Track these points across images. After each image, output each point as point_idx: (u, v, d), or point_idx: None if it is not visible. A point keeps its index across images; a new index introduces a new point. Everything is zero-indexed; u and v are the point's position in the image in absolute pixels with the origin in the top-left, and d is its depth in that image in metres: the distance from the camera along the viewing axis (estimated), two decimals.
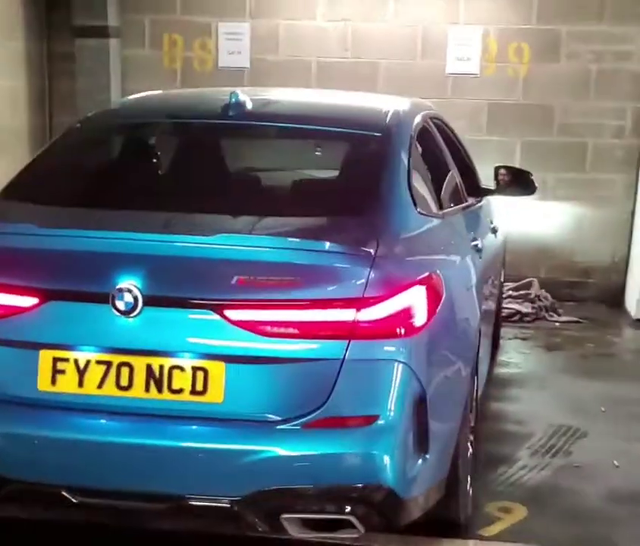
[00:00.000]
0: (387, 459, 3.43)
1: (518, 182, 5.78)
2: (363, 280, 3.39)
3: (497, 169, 5.78)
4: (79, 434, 3.52)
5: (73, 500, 3.53)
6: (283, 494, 3.44)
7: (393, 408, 3.43)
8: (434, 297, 3.57)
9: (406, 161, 4.17)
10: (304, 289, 3.39)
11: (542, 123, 8.43)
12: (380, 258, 3.46)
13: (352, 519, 3.46)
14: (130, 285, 3.37)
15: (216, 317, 3.39)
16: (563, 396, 6.13)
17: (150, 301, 3.40)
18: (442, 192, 4.61)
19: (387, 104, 4.87)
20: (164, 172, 4.71)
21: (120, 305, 3.39)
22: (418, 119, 4.68)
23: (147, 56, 8.75)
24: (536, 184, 5.73)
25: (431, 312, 3.53)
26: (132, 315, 3.40)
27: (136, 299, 3.38)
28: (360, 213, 3.82)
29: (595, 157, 8.42)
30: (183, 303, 3.43)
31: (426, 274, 3.63)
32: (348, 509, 3.47)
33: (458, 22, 8.44)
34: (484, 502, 4.48)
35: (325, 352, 3.39)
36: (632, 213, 8.38)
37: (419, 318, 3.46)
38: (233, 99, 4.41)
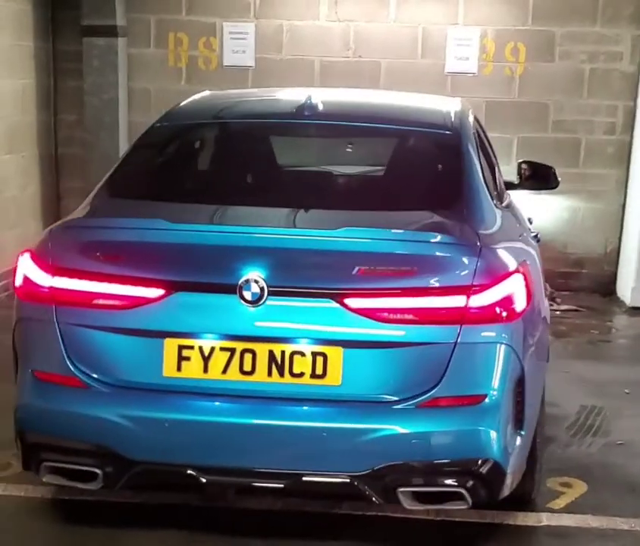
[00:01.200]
0: (494, 434, 3.71)
1: (540, 176, 6.05)
2: (472, 269, 3.66)
3: (520, 164, 6.05)
4: (204, 416, 3.75)
5: (200, 479, 3.74)
6: (400, 469, 3.71)
7: (499, 387, 3.71)
8: (529, 284, 3.84)
9: (476, 157, 4.47)
10: (419, 277, 3.66)
11: (537, 120, 8.77)
12: (484, 248, 3.74)
13: (463, 491, 3.73)
14: (257, 276, 3.61)
15: (336, 305, 3.64)
16: (585, 380, 6.48)
17: (274, 291, 3.62)
18: (497, 186, 4.89)
19: (444, 104, 5.15)
20: (262, 168, 4.91)
21: (248, 295, 3.61)
22: (471, 117, 4.96)
23: (152, 55, 8.91)
24: (559, 178, 5.99)
25: (528, 297, 3.81)
26: (257, 304, 3.62)
27: (262, 289, 3.61)
28: (452, 206, 4.10)
29: (588, 152, 8.78)
30: (305, 293, 3.68)
31: (522, 262, 3.91)
32: (459, 482, 3.74)
33: (457, 23, 8.73)
34: (544, 478, 4.70)
35: (439, 336, 3.66)
36: (623, 206, 8.77)
37: (520, 303, 3.75)
38: (311, 100, 4.66)
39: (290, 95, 5.37)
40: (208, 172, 4.71)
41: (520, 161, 6.10)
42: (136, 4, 8.79)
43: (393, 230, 3.83)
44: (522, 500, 4.44)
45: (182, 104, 5.06)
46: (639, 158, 8.55)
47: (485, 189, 4.30)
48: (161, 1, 8.85)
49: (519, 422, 3.86)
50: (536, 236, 5.15)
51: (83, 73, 8.71)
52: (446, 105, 5.08)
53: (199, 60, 8.90)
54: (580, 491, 4.71)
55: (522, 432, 3.89)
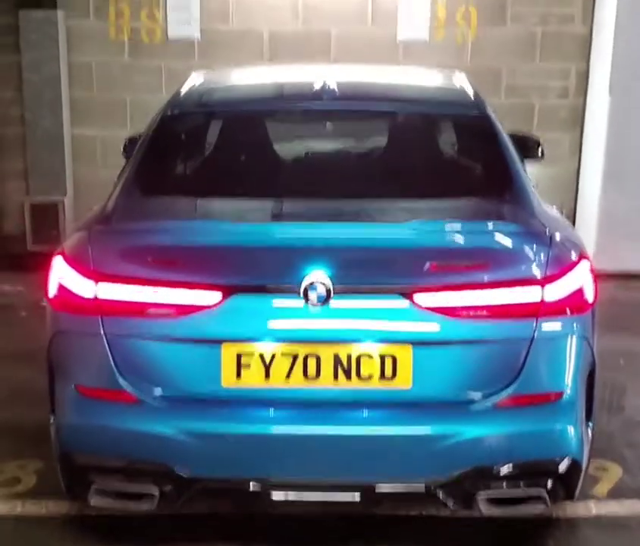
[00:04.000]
0: (572, 431, 3.57)
1: (525, 148, 5.92)
2: (545, 259, 3.51)
3: None
4: (268, 426, 3.50)
5: (268, 495, 3.50)
6: (479, 474, 3.53)
7: (576, 382, 3.57)
8: (594, 272, 3.71)
9: (507, 138, 4.30)
10: (492, 270, 3.48)
11: (491, 85, 8.59)
12: (554, 237, 3.58)
13: (543, 492, 3.58)
14: (322, 276, 3.36)
15: (405, 303, 3.43)
16: None
17: (340, 290, 3.39)
18: None
19: (455, 79, 4.96)
20: (299, 156, 4.64)
21: (313, 297, 3.38)
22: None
23: (93, 27, 8.47)
24: (544, 150, 5.87)
25: (596, 286, 3.67)
26: (322, 305, 3.38)
27: (328, 290, 3.37)
28: (503, 193, 3.93)
29: (541, 117, 8.70)
30: (372, 291, 3.45)
31: (581, 246, 3.77)
32: (539, 483, 3.59)
33: None
34: None
35: (515, 331, 3.48)
36: (577, 170, 8.74)
37: (590, 292, 3.60)
38: (327, 82, 4.42)
39: (299, 75, 5.10)
40: (241, 162, 4.41)
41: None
42: None
43: (464, 222, 3.64)
44: None
45: (186, 89, 4.72)
46: (592, 121, 8.52)
47: (524, 171, 4.16)
48: None
49: (589, 415, 3.73)
50: None
51: (20, 47, 8.22)
52: (458, 81, 4.90)
53: (142, 32, 8.48)
54: (617, 474, 4.65)
55: (591, 423, 3.76)
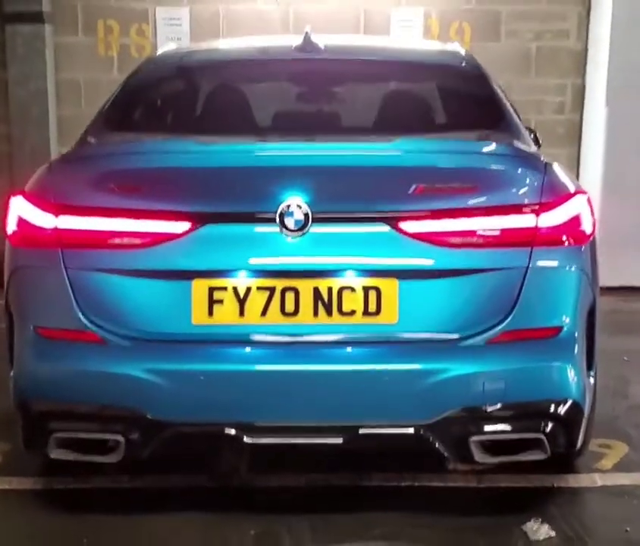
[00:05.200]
0: (571, 371, 3.34)
1: None
2: (540, 185, 3.31)
3: None
4: (242, 366, 3.26)
5: (243, 439, 3.26)
6: (471, 416, 3.29)
7: (575, 317, 3.35)
8: (592, 206, 3.51)
9: (499, 88, 4.16)
10: (484, 195, 3.27)
11: None
12: (548, 164, 3.39)
13: (541, 437, 3.33)
14: (299, 201, 3.15)
15: (390, 230, 3.20)
16: None
17: (319, 218, 3.18)
18: None
19: (446, 45, 4.86)
20: (283, 94, 4.46)
21: (290, 223, 3.16)
22: None
23: (81, 43, 8.32)
24: (540, 141, 5.71)
25: (593, 220, 3.47)
26: (299, 233, 3.17)
27: (306, 216, 3.16)
28: (497, 127, 3.74)
29: (538, 133, 8.53)
30: (355, 218, 3.23)
31: (579, 185, 3.58)
32: (537, 426, 3.34)
33: (400, 3, 8.41)
34: None
35: (509, 261, 3.26)
36: None
37: (588, 225, 3.40)
38: (310, 39, 4.26)
39: (282, 39, 4.97)
40: (220, 102, 4.22)
41: None
42: None
43: (454, 141, 3.43)
44: (565, 461, 4.05)
45: (162, 52, 4.58)
46: (590, 135, 8.38)
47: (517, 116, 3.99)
48: None
49: (589, 362, 3.49)
50: None
51: (7, 62, 8.05)
52: (450, 46, 4.79)
53: (132, 48, 8.36)
54: (622, 451, 4.43)
55: (592, 373, 3.52)
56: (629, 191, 8.29)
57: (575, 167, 8.54)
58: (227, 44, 5.34)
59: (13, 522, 3.76)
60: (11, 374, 3.52)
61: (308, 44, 4.25)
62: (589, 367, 3.52)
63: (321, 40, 4.37)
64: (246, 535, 3.60)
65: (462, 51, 4.64)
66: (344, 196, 3.25)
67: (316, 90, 4.35)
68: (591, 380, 3.54)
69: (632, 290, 8.06)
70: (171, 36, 8.28)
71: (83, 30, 8.32)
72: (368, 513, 3.77)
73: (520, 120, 4.19)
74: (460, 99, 4.29)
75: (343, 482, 4.02)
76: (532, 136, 5.24)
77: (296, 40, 4.38)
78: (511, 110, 4.02)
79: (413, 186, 3.25)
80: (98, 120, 3.93)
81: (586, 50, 8.44)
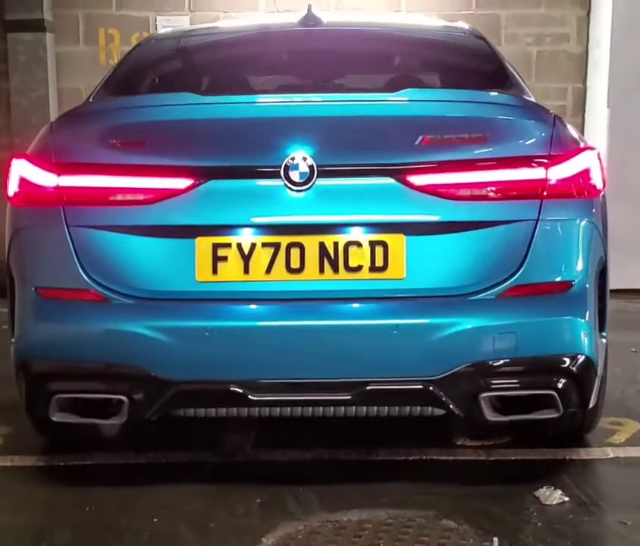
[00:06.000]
0: (583, 326, 3.28)
1: None
2: (549, 137, 3.27)
3: None
4: (248, 323, 3.20)
5: (249, 397, 3.20)
6: (481, 371, 3.22)
7: (586, 272, 3.29)
8: (601, 162, 3.47)
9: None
10: (492, 147, 3.23)
11: None
12: (557, 118, 3.35)
13: (553, 393, 3.27)
14: (304, 153, 3.11)
15: (397, 183, 3.16)
16: None
17: (324, 171, 3.14)
18: None
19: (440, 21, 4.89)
20: (286, 53, 4.41)
21: (295, 176, 3.11)
22: None
23: (82, 52, 8.34)
24: None
25: (604, 176, 3.42)
26: (304, 187, 3.12)
27: (311, 168, 3.11)
28: (503, 85, 3.72)
29: None
30: (360, 171, 3.18)
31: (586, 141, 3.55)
32: (549, 382, 3.28)
33: (400, 9, 8.42)
34: None
35: (518, 213, 3.21)
36: None
37: (598, 179, 3.35)
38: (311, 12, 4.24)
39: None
40: (223, 74, 4.19)
41: None
42: None
43: (462, 91, 3.40)
44: (575, 436, 3.99)
45: (164, 29, 4.56)
46: (592, 139, 8.31)
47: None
48: None
49: (601, 322, 3.42)
50: None
51: (9, 71, 8.06)
52: (456, 23, 4.79)
53: None
54: (634, 427, 4.38)
55: (604, 334, 3.46)
56: (633, 194, 8.24)
57: None
58: (230, 22, 5.32)
59: (14, 495, 3.69)
60: (12, 340, 3.46)
61: (311, 17, 4.23)
62: (601, 328, 3.46)
63: (324, 15, 4.35)
64: (252, 503, 3.53)
65: (468, 26, 4.63)
66: (350, 148, 3.21)
67: (320, 63, 4.30)
68: (604, 340, 3.48)
69: (636, 292, 8.01)
70: None
71: (84, 39, 8.33)
72: (375, 484, 3.70)
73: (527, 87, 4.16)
74: (467, 65, 4.27)
75: (350, 457, 3.96)
76: None
77: (299, 16, 4.36)
78: (517, 76, 3.99)
79: (420, 137, 3.21)
80: (99, 89, 3.90)
81: (586, 53, 8.44)
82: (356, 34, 4.39)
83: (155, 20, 8.34)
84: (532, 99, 3.79)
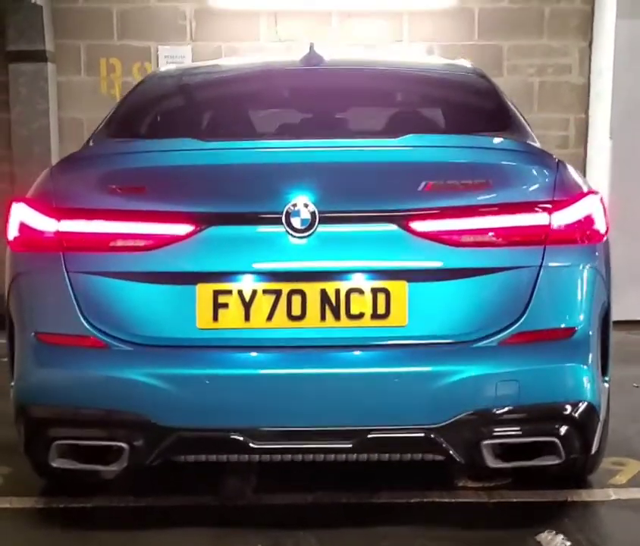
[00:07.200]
0: (586, 373, 3.26)
1: None
2: (552, 182, 3.25)
3: None
4: (248, 371, 3.18)
5: (249, 444, 3.17)
6: (483, 418, 3.20)
7: (589, 318, 3.26)
8: (605, 206, 3.46)
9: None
10: (495, 192, 3.21)
11: None
12: (560, 162, 3.34)
13: (555, 440, 3.24)
14: (306, 200, 3.09)
15: (399, 230, 3.14)
16: None
17: (325, 217, 3.12)
18: None
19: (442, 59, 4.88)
20: (287, 97, 4.41)
21: (296, 222, 3.10)
22: None
23: (83, 82, 8.35)
24: None
25: (607, 220, 3.41)
26: (306, 234, 3.11)
27: (313, 214, 3.10)
28: (507, 129, 3.70)
29: None
30: (362, 217, 3.16)
31: (590, 185, 3.53)
32: (551, 430, 3.26)
33: (402, 39, 8.43)
34: None
35: (521, 259, 3.19)
36: None
37: (601, 224, 3.34)
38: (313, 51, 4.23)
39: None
40: (225, 116, 4.18)
41: None
42: (63, 29, 8.22)
43: (464, 137, 3.38)
44: (577, 478, 3.96)
45: (167, 66, 4.57)
46: (594, 169, 8.34)
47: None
48: (90, 25, 8.27)
49: (604, 366, 3.41)
50: None
51: (10, 102, 8.06)
52: (457, 61, 4.78)
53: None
54: (636, 468, 4.35)
55: (607, 378, 3.44)
56: (634, 226, 8.23)
57: None
58: (232, 60, 5.32)
59: (13, 538, 3.66)
60: (12, 383, 3.45)
61: (313, 56, 4.22)
62: (604, 372, 3.44)
63: (326, 53, 4.34)
64: None
65: (469, 64, 4.62)
66: (352, 195, 3.20)
67: (322, 102, 4.29)
68: (606, 385, 3.46)
69: (638, 323, 8.00)
70: None
71: (85, 69, 8.34)
72: (377, 528, 3.68)
73: (530, 127, 4.14)
74: (469, 105, 4.25)
75: (350, 499, 3.93)
76: None
77: (300, 54, 4.35)
78: (520, 116, 3.98)
79: (422, 184, 3.19)
80: (100, 129, 3.90)
81: (588, 84, 8.45)
82: (358, 74, 4.38)
83: (157, 50, 8.33)
84: (535, 142, 3.77)
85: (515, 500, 3.92)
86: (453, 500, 3.92)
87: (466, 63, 4.72)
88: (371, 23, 8.39)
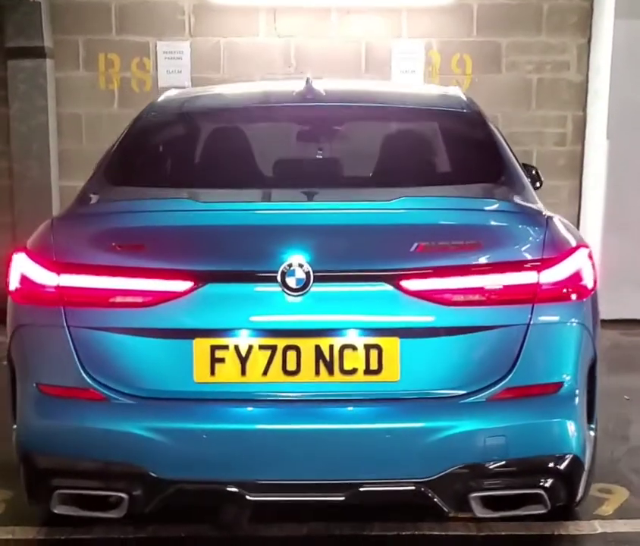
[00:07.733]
0: (572, 426, 3.33)
1: None
2: (541, 241, 3.30)
3: None
4: (244, 425, 3.26)
5: (245, 497, 3.25)
6: (472, 472, 3.28)
7: (576, 373, 3.34)
8: (593, 260, 3.51)
9: (500, 134, 4.16)
10: (485, 253, 3.27)
11: None
12: (550, 219, 3.39)
13: (541, 492, 3.32)
14: (300, 260, 3.15)
15: (391, 288, 3.21)
16: None
17: (320, 276, 3.18)
18: None
19: (445, 90, 4.88)
20: (283, 149, 4.47)
21: (291, 282, 3.16)
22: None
23: (82, 78, 8.35)
24: (542, 178, 5.72)
25: (595, 274, 3.46)
26: (301, 292, 3.17)
27: (307, 274, 3.16)
28: (497, 180, 3.74)
29: (540, 164, 8.37)
30: (356, 277, 3.23)
31: (581, 237, 3.58)
32: (537, 482, 3.33)
33: (401, 36, 8.43)
34: None
35: (510, 318, 3.26)
36: (577, 217, 8.56)
37: (589, 279, 3.39)
38: (310, 85, 4.27)
39: (277, 84, 4.99)
40: (222, 152, 4.23)
41: None
42: (62, 25, 8.20)
43: (455, 199, 3.44)
44: (566, 508, 4.04)
45: (164, 97, 4.59)
46: (591, 167, 8.37)
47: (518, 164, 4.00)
48: (89, 20, 8.25)
49: (590, 415, 3.48)
50: None
51: (9, 98, 8.07)
52: (448, 90, 4.79)
53: (132, 82, 8.38)
54: (623, 496, 4.40)
55: (593, 426, 3.51)
56: (632, 222, 8.27)
57: (577, 199, 8.56)
58: (229, 89, 5.34)
59: None
60: (14, 426, 3.52)
61: (309, 90, 4.26)
62: (590, 420, 3.51)
63: (322, 85, 4.39)
64: None
65: (463, 97, 4.64)
66: (345, 255, 3.26)
67: (317, 138, 4.35)
68: (592, 432, 3.53)
69: (632, 322, 8.01)
70: (172, 70, 8.33)
71: (84, 64, 8.34)
72: None
73: (520, 165, 4.18)
74: (461, 149, 4.29)
75: (344, 531, 4.01)
76: (534, 172, 5.27)
77: (297, 86, 4.39)
78: (512, 157, 4.01)
79: (414, 245, 3.25)
80: (98, 173, 3.94)
81: (586, 81, 8.45)
82: (353, 113, 4.44)
83: (156, 46, 8.32)
84: (527, 188, 3.79)
85: (503, 532, 3.99)
86: (443, 533, 4.00)
87: (460, 94, 4.73)
88: (370, 20, 8.38)
